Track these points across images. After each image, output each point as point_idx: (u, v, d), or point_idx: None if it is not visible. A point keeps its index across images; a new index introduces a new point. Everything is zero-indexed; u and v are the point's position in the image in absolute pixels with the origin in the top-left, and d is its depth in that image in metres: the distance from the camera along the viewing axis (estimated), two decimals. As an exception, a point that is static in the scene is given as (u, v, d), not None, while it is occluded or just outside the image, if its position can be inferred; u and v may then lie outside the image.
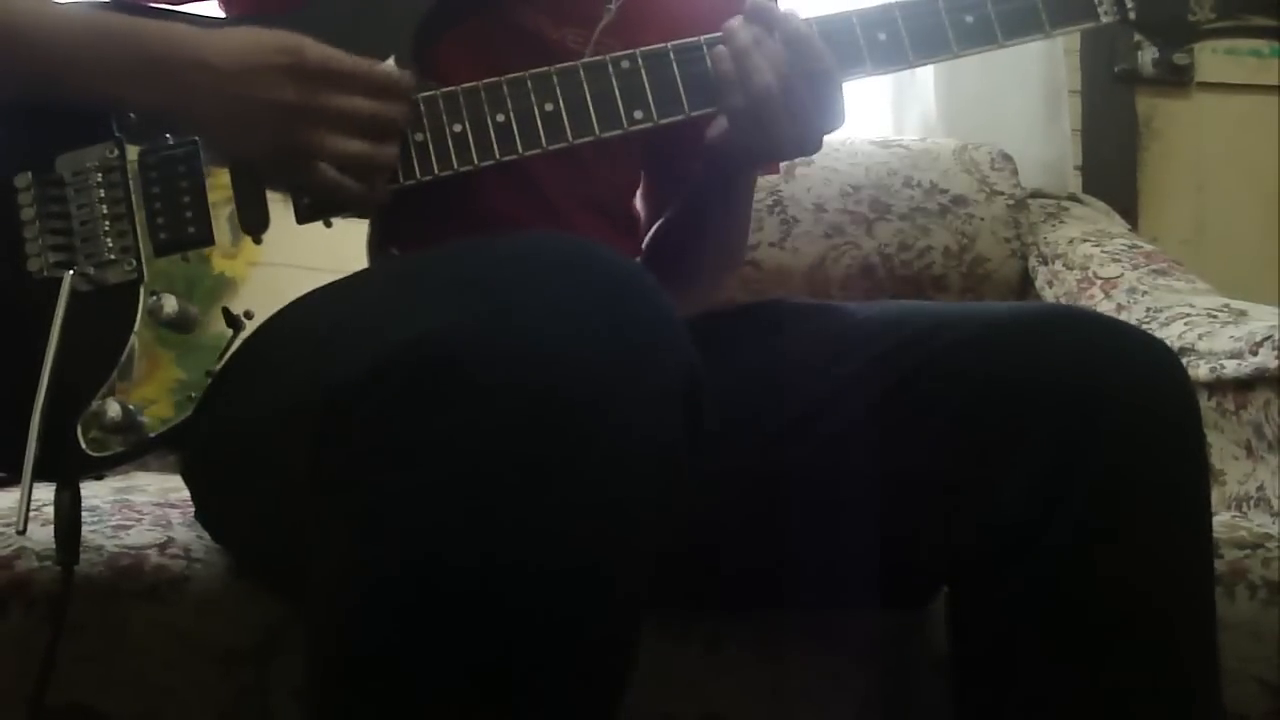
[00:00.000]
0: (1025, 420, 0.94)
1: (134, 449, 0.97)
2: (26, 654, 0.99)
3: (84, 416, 0.96)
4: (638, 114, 1.04)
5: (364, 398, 0.74)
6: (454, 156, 1.02)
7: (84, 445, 0.96)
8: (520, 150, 1.02)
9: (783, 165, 1.53)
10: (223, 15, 1.12)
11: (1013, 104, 2.08)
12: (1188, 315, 1.58)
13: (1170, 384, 0.96)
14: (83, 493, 0.98)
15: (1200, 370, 1.44)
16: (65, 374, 0.94)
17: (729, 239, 1.26)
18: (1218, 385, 1.43)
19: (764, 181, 1.80)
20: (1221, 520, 1.27)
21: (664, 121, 1.05)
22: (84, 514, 0.98)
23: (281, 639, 1.04)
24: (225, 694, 1.04)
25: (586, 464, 0.72)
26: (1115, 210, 2.08)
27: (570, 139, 1.03)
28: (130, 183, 1.01)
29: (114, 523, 1.10)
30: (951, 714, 1.00)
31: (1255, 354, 1.39)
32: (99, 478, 0.99)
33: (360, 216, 1.01)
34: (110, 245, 1.00)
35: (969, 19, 1.07)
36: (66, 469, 0.97)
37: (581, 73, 1.03)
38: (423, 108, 1.02)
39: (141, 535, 1.08)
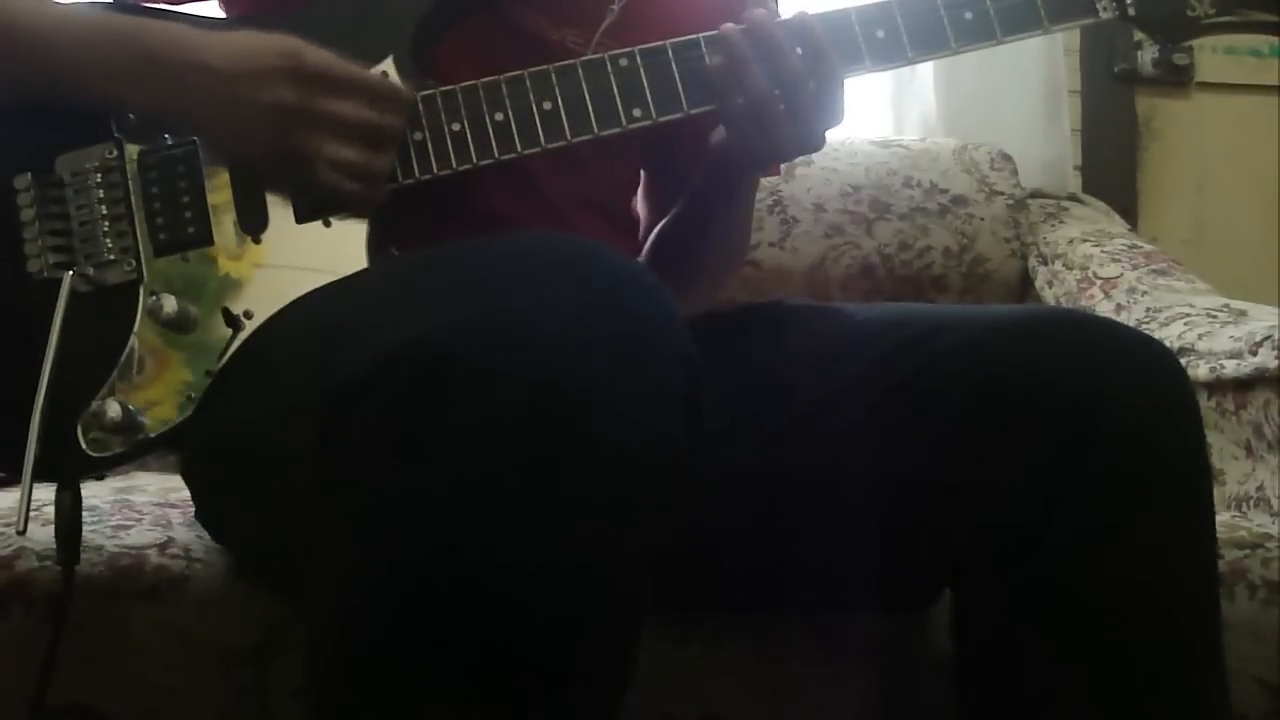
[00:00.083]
0: (1026, 421, 0.94)
1: (134, 449, 0.97)
2: (27, 654, 0.99)
3: (84, 417, 0.96)
4: (636, 112, 1.04)
5: (364, 397, 0.74)
6: (453, 156, 1.02)
7: (84, 445, 0.96)
8: (519, 149, 1.02)
9: (783, 165, 1.53)
10: (223, 15, 1.12)
11: (1012, 104, 2.08)
12: (1187, 315, 1.58)
13: (1170, 384, 0.96)
14: (83, 493, 0.98)
15: (1200, 370, 1.44)
16: (65, 374, 0.94)
17: (730, 240, 1.26)
18: (1217, 385, 1.43)
19: (764, 181, 1.78)
20: (1221, 520, 1.26)
21: (663, 119, 1.04)
22: (84, 514, 0.98)
23: (281, 639, 1.04)
24: (225, 694, 1.04)
25: (587, 461, 0.72)
26: (1115, 210, 2.08)
27: (569, 137, 1.03)
28: (130, 183, 1.01)
29: (114, 523, 1.10)
30: (952, 714, 1.00)
31: (1255, 354, 1.39)
32: (100, 478, 0.99)
33: (358, 217, 1.01)
34: (110, 245, 1.00)
35: (968, 15, 1.07)
36: (67, 469, 0.96)
37: (580, 71, 1.03)
38: (421, 106, 1.01)
39: (141, 535, 1.08)
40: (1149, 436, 0.93)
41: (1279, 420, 1.36)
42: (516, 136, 1.02)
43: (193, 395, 0.97)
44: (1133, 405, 0.93)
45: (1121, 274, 1.79)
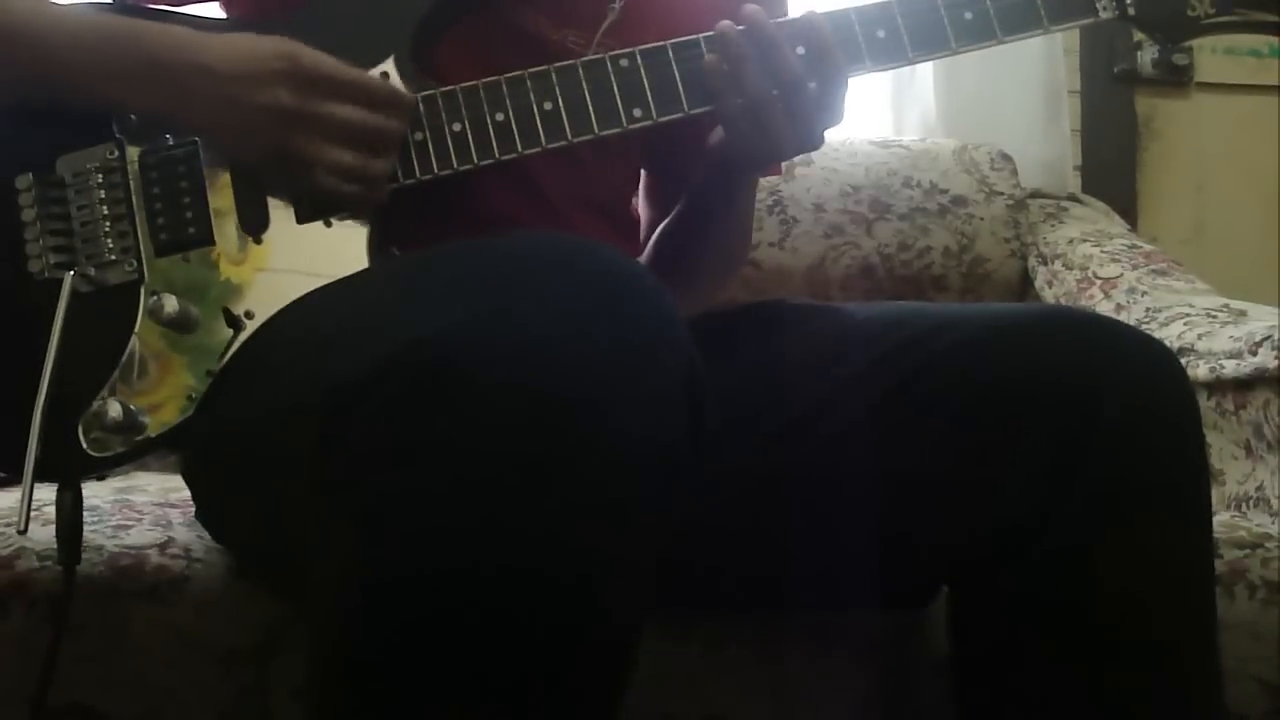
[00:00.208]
0: (1025, 420, 0.94)
1: (135, 449, 0.97)
2: (27, 654, 0.99)
3: (85, 417, 0.96)
4: (637, 112, 1.04)
5: (364, 398, 0.74)
6: (453, 156, 1.02)
7: (85, 446, 0.96)
8: (520, 149, 1.02)
9: (783, 165, 1.53)
10: (223, 16, 1.12)
11: (1012, 104, 2.08)
12: (1187, 315, 1.58)
13: (1170, 384, 0.96)
14: (84, 493, 0.98)
15: (1200, 370, 1.44)
16: (66, 374, 0.94)
17: (730, 240, 1.26)
18: (1217, 385, 1.44)
19: (764, 181, 1.79)
20: (1221, 520, 1.27)
21: (663, 119, 1.04)
22: (85, 514, 0.98)
23: (281, 639, 1.04)
24: (225, 694, 1.04)
25: (587, 465, 0.72)
26: (1115, 210, 2.08)
27: (569, 137, 1.03)
28: (131, 183, 1.01)
29: (114, 523, 1.10)
30: (951, 714, 1.00)
31: (1255, 354, 1.39)
32: (100, 478, 0.99)
33: (359, 217, 1.01)
34: (111, 246, 1.00)
35: (968, 15, 1.07)
36: (68, 469, 0.96)
37: (580, 71, 1.03)
38: (422, 107, 1.02)
39: (142, 535, 1.08)
40: (1148, 436, 0.93)
41: (1279, 420, 1.36)
42: (517, 136, 1.02)
43: (193, 396, 0.97)
44: (1132, 405, 0.93)
45: (1121, 274, 1.79)
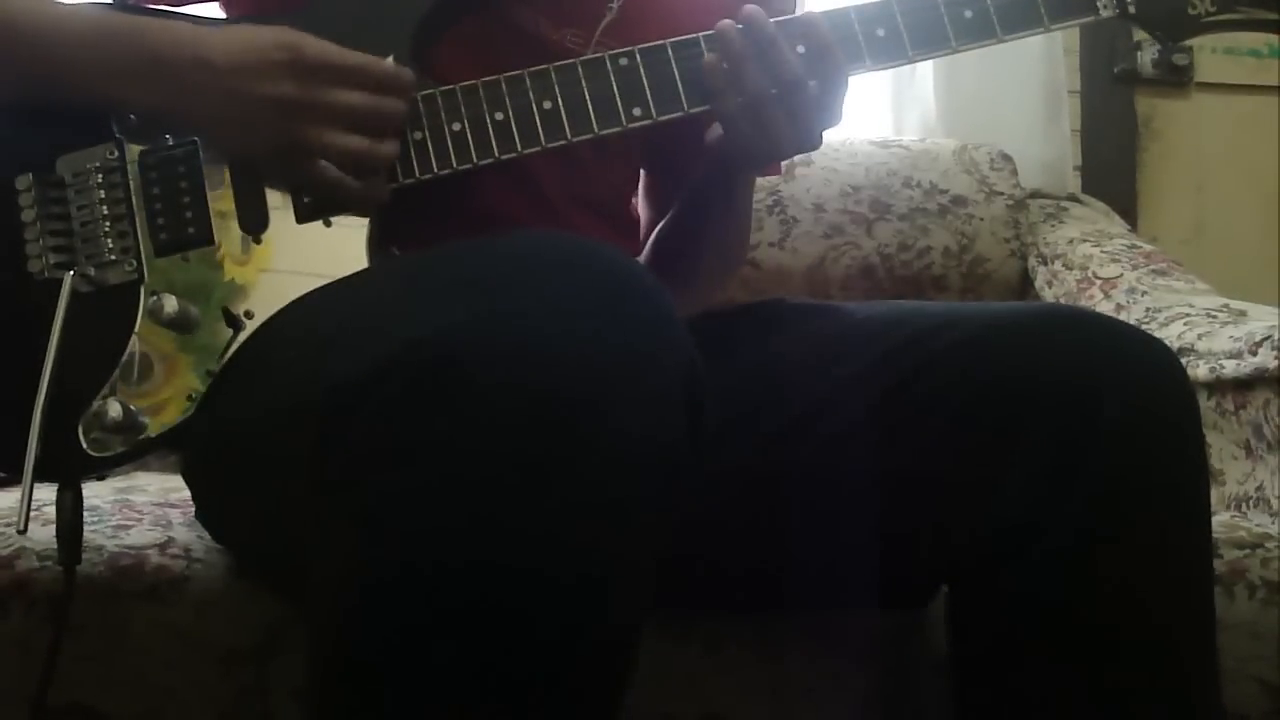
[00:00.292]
0: (1025, 420, 0.94)
1: (135, 449, 0.97)
2: (27, 654, 0.99)
3: (85, 417, 0.96)
4: (636, 111, 1.04)
5: (365, 397, 0.74)
6: (453, 155, 1.02)
7: (85, 446, 0.96)
8: (519, 148, 1.02)
9: (783, 165, 1.53)
10: (223, 15, 1.12)
11: (1012, 104, 2.08)
12: (1187, 315, 1.58)
13: (1170, 384, 0.96)
14: (84, 493, 0.98)
15: (1200, 370, 1.44)
16: (66, 374, 0.94)
17: (729, 239, 1.26)
18: (1217, 385, 1.44)
19: (764, 181, 1.80)
20: (1221, 520, 1.27)
21: (662, 119, 1.04)
22: (85, 514, 0.98)
23: (281, 639, 1.04)
24: (225, 694, 1.04)
25: (587, 465, 0.72)
26: (1115, 210, 2.08)
27: (569, 137, 1.03)
28: (130, 183, 1.01)
29: (114, 523, 1.10)
30: (951, 714, 1.00)
31: (1255, 354, 1.39)
32: (100, 478, 0.99)
33: (360, 215, 1.01)
34: (111, 246, 1.00)
35: (967, 14, 1.07)
36: (68, 469, 0.96)
37: (580, 70, 1.03)
38: (421, 106, 1.02)
39: (142, 535, 1.08)
40: (1148, 436, 0.93)
41: (1279, 420, 1.36)
42: (517, 136, 1.02)
43: (193, 396, 0.97)
44: (1132, 404, 0.93)
45: (1121, 274, 1.79)
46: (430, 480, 0.72)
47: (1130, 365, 0.95)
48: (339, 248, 1.00)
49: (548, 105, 1.03)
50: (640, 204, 1.28)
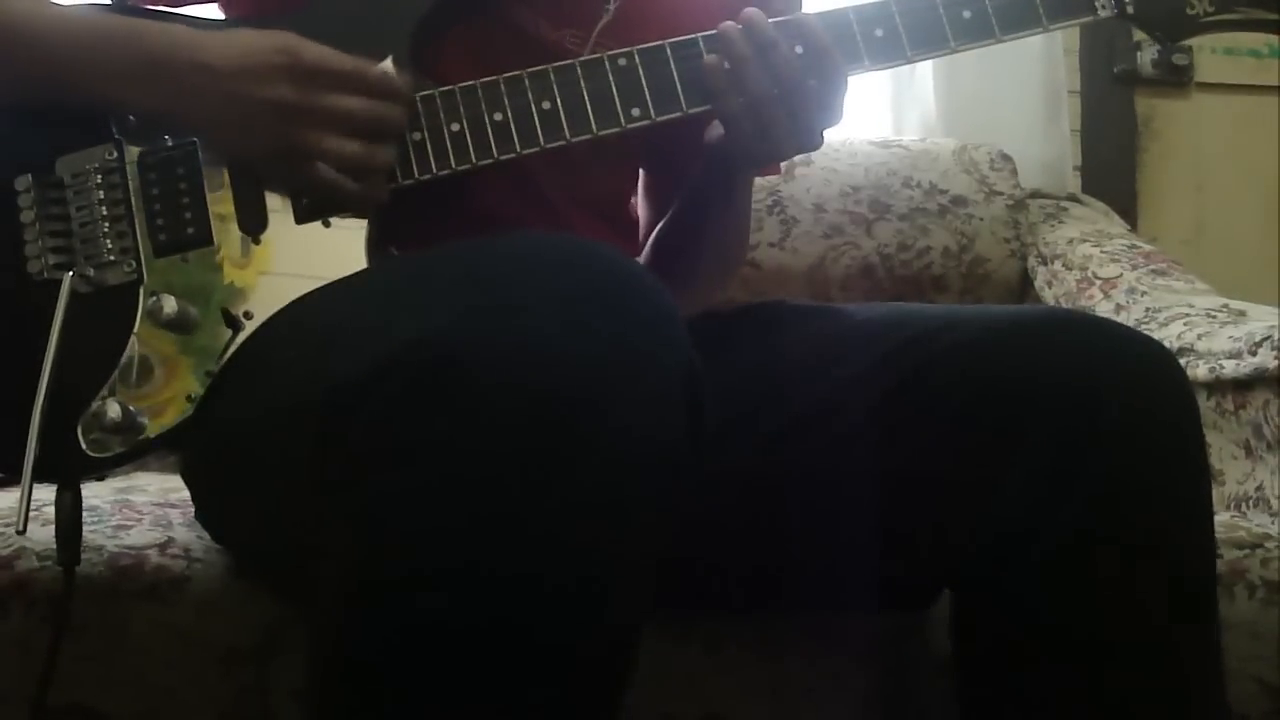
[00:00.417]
0: (1025, 422, 0.94)
1: (134, 449, 0.97)
2: (27, 654, 0.99)
3: (84, 417, 0.96)
4: (635, 112, 1.04)
5: (365, 398, 0.74)
6: (452, 156, 1.02)
7: (85, 446, 0.96)
8: (518, 149, 1.02)
9: (783, 165, 1.53)
10: (222, 17, 1.12)
11: (1012, 104, 2.08)
12: (1187, 315, 1.58)
13: (1169, 385, 0.96)
14: (83, 493, 0.98)
15: (1199, 370, 1.44)
16: (66, 375, 0.94)
17: (728, 239, 1.26)
18: (1217, 385, 1.44)
19: (764, 181, 1.80)
20: (1221, 520, 1.27)
21: (661, 119, 1.04)
22: (84, 514, 0.98)
23: (281, 639, 1.04)
24: (225, 694, 1.04)
25: (587, 465, 0.72)
26: (1114, 210, 2.08)
27: (568, 137, 1.03)
28: (130, 184, 1.01)
29: (114, 523, 1.10)
30: (952, 714, 1.00)
31: (1254, 354, 1.39)
32: (100, 478, 0.99)
33: (359, 216, 1.01)
34: (110, 247, 1.00)
35: (966, 14, 1.07)
36: (67, 469, 0.97)
37: (579, 71, 1.03)
38: (420, 107, 1.02)
39: (142, 535, 1.08)
40: (1148, 437, 0.93)
41: (1278, 420, 1.36)
42: (515, 137, 1.02)
43: (193, 396, 0.97)
44: (1132, 406, 0.93)
45: (1121, 274, 1.79)
46: (430, 480, 0.72)
47: (1130, 367, 0.95)
48: (338, 249, 1.00)
49: (546, 106, 1.03)
50: (640, 204, 1.28)
